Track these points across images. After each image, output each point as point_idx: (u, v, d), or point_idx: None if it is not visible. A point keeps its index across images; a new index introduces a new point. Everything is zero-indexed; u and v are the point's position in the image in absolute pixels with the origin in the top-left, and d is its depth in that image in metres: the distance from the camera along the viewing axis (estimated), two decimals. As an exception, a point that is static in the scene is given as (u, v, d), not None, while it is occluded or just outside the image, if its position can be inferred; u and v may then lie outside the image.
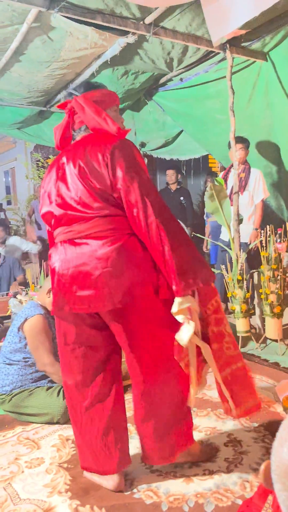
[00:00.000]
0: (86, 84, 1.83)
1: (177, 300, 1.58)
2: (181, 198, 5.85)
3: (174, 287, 1.58)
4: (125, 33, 3.23)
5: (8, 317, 3.69)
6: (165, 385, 1.74)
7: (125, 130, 1.74)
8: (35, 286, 4.21)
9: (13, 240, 5.37)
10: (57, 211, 1.71)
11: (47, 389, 2.45)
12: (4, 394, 2.48)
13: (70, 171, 1.68)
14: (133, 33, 3.22)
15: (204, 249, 5.49)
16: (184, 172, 5.98)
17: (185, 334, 1.59)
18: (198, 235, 4.79)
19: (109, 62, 3.63)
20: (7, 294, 4.43)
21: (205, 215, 5.72)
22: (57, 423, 2.37)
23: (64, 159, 1.73)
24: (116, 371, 1.82)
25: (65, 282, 1.68)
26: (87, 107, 1.71)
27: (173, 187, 5.83)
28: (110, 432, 1.78)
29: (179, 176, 5.93)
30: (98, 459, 1.80)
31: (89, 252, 1.64)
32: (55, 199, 1.72)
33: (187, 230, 5.24)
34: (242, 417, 2.03)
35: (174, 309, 1.60)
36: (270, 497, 1.36)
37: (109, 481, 1.79)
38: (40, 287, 4.14)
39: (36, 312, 2.52)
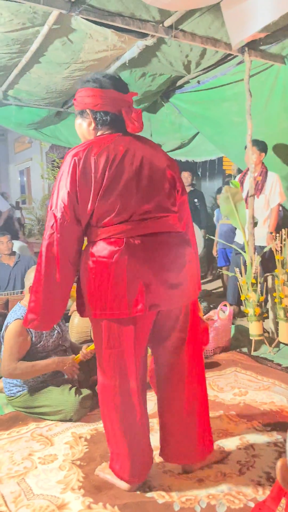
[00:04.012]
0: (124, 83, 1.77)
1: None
2: (195, 200, 5.84)
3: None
4: (144, 35, 3.24)
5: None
6: (200, 386, 1.81)
7: None
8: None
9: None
10: (139, 205, 1.62)
11: (58, 387, 2.47)
12: (12, 396, 2.52)
13: (153, 166, 1.66)
14: (152, 36, 3.24)
15: (214, 253, 5.45)
16: (199, 173, 5.98)
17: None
18: (212, 237, 4.78)
19: (127, 64, 3.65)
20: (21, 293, 4.47)
21: (214, 218, 5.71)
22: (70, 420, 2.39)
23: (133, 151, 1.65)
24: (146, 372, 1.81)
25: (155, 278, 1.60)
26: None
27: (187, 189, 5.83)
28: (147, 436, 1.81)
29: (194, 178, 5.93)
30: (139, 466, 1.78)
31: (173, 245, 1.66)
32: (135, 191, 1.62)
33: (200, 232, 5.22)
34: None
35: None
36: (283, 500, 1.37)
37: (123, 481, 1.80)
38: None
39: (14, 318, 2.48)
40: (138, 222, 1.62)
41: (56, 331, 2.63)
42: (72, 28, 3.13)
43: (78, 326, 3.34)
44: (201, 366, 1.84)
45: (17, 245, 5.44)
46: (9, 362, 2.40)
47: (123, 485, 1.80)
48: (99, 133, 1.72)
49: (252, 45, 3.51)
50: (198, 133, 5.22)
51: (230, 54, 3.72)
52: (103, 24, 3.04)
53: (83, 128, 1.75)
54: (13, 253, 4.76)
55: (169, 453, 1.86)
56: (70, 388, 2.45)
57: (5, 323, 2.55)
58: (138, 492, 1.78)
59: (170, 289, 1.62)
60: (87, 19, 2.96)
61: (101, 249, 1.61)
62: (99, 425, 2.33)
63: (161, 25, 3.16)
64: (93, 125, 1.72)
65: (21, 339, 2.44)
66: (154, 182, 1.66)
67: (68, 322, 3.43)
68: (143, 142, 1.73)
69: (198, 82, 4.35)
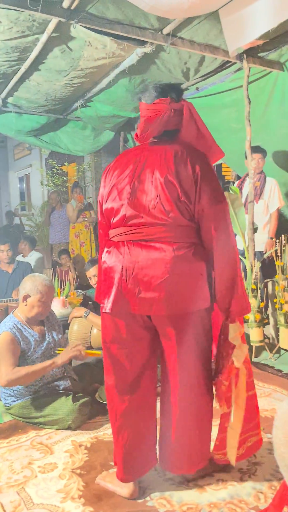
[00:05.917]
0: (180, 89, 1.84)
1: (237, 325, 1.74)
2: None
3: (233, 310, 1.72)
4: (143, 43, 3.27)
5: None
6: (197, 397, 1.77)
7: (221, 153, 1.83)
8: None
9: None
10: (128, 211, 1.68)
11: (55, 395, 2.45)
12: (8, 406, 2.51)
13: (154, 175, 1.66)
14: (151, 43, 3.26)
15: None
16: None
17: (242, 356, 1.73)
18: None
19: (126, 71, 3.67)
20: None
21: None
22: (69, 428, 2.37)
23: (145, 159, 1.70)
24: (154, 377, 1.82)
25: (128, 282, 1.66)
26: (197, 117, 1.77)
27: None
28: (145, 438, 1.80)
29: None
30: (131, 464, 1.79)
31: (158, 256, 1.63)
32: (127, 197, 1.68)
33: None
34: (241, 460, 1.87)
35: (233, 333, 1.72)
36: (285, 509, 1.35)
37: (124, 489, 1.78)
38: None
39: (2, 329, 2.48)
40: (130, 228, 1.69)
41: (46, 342, 2.57)
42: (71, 36, 3.15)
43: (77, 332, 3.32)
44: (201, 377, 1.78)
45: (35, 256, 5.38)
46: (5, 368, 2.38)
47: (124, 493, 1.78)
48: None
49: (251, 52, 3.53)
50: (197, 139, 5.23)
51: (228, 61, 3.74)
52: (102, 32, 3.07)
53: None
54: (12, 261, 4.75)
55: (163, 462, 1.85)
56: (67, 396, 2.43)
57: None
58: (139, 501, 1.76)
59: (139, 297, 1.64)
60: (86, 27, 2.98)
61: (105, 248, 1.78)
62: (99, 433, 2.32)
63: (160, 32, 3.18)
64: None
65: (13, 346, 2.44)
66: (148, 191, 1.66)
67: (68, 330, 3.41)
68: (160, 150, 1.70)
69: (197, 89, 4.37)
